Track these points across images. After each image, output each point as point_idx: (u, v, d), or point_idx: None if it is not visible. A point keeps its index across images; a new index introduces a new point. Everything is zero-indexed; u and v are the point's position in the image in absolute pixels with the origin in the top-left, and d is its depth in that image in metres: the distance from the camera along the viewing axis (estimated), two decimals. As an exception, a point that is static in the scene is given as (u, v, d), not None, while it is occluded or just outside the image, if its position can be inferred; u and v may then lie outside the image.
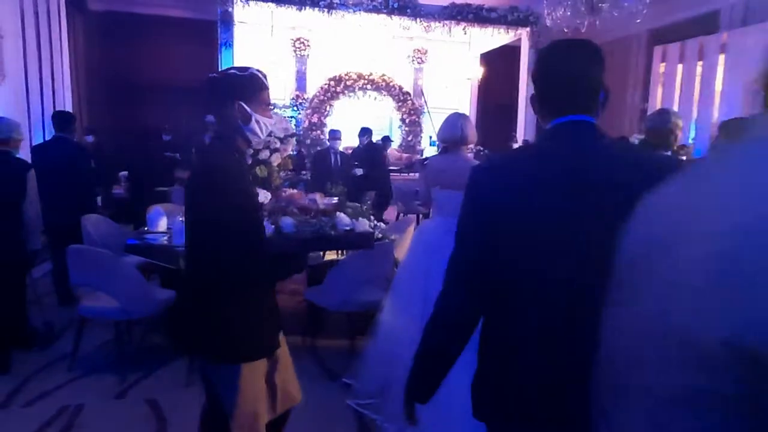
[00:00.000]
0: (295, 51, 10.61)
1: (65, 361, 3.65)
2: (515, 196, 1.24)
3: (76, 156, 4.70)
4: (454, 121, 3.20)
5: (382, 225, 4.29)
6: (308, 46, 10.60)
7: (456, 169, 3.10)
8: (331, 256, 4.99)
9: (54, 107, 8.64)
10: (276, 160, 4.22)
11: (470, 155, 7.00)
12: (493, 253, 1.25)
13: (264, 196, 4.07)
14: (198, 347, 1.89)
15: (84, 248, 3.45)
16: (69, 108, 8.99)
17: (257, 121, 1.85)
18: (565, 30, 7.97)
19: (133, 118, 9.79)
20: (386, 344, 3.15)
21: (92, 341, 3.90)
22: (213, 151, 1.90)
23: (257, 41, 10.25)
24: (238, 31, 9.52)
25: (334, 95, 10.72)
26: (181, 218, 3.98)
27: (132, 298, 3.40)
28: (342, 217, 1.86)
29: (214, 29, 9.41)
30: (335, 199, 2.53)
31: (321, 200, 1.99)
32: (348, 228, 1.86)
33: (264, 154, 4.10)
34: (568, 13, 7.44)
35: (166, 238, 4.01)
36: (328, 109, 10.59)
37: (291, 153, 4.33)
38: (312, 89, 10.71)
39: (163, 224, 4.30)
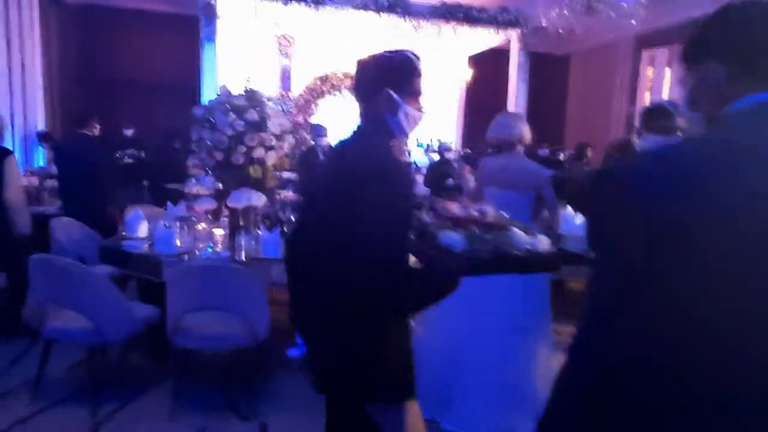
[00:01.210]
0: (279, 48, 10.02)
1: (27, 390, 3.05)
2: (709, 205, 0.80)
3: (95, 151, 4.64)
4: (510, 120, 3.09)
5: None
6: (293, 43, 10.03)
7: (514, 169, 3.01)
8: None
9: (24, 102, 7.97)
10: (271, 159, 3.69)
11: (455, 156, 6.52)
12: (671, 281, 0.83)
13: (258, 199, 3.55)
14: (354, 385, 1.52)
15: (48, 258, 2.87)
16: (41, 104, 8.32)
17: (406, 114, 1.50)
18: (560, 31, 7.61)
19: (110, 115, 9.08)
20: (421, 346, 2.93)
21: (60, 364, 3.31)
22: (362, 148, 1.51)
23: (241, 37, 9.63)
24: (220, 26, 8.92)
25: (320, 94, 10.17)
26: (166, 223, 3.43)
27: (106, 317, 2.83)
28: (517, 232, 1.39)
29: (196, 24, 8.79)
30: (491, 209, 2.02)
31: (491, 211, 1.51)
32: (529, 246, 1.38)
33: (258, 153, 3.58)
34: (566, 13, 7.07)
35: (147, 245, 3.46)
36: (313, 108, 10.04)
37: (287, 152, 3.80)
38: (296, 88, 10.14)
39: (143, 229, 3.74)
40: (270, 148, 3.60)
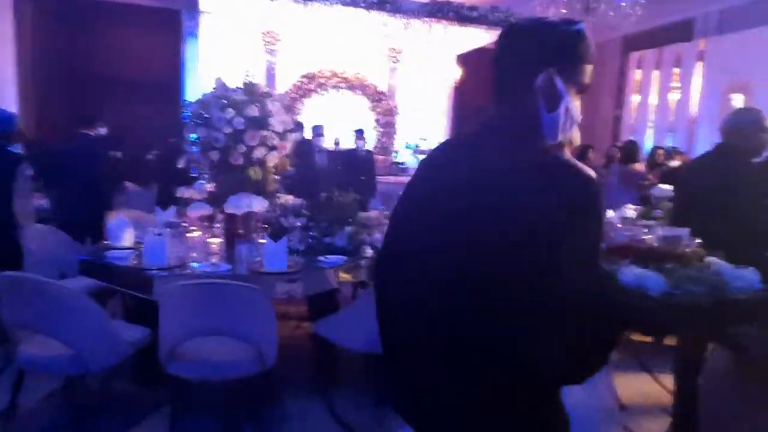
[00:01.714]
0: (264, 45, 9.54)
1: (-4, 425, 2.61)
2: None
3: (96, 152, 4.52)
4: None
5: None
6: (279, 40, 9.56)
7: None
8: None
9: (-6, 98, 7.37)
10: (272, 159, 3.29)
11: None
12: None
13: (260, 204, 3.15)
14: None
15: (16, 276, 2.41)
16: (13, 102, 7.71)
17: (567, 110, 1.02)
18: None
19: (88, 113, 8.49)
20: None
21: (35, 391, 2.85)
22: (544, 158, 1.01)
23: (225, 33, 9.13)
24: (203, 21, 8.44)
25: (306, 93, 9.73)
26: (156, 232, 3.00)
27: (88, 344, 2.38)
28: (722, 264, 1.00)
29: (178, 18, 8.30)
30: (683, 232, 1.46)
31: (685, 235, 1.10)
32: (744, 284, 0.99)
33: (259, 153, 3.16)
34: (564, 12, 6.79)
35: (134, 256, 3.01)
36: (299, 107, 9.59)
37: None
38: (282, 86, 9.67)
39: (128, 238, 3.29)
40: (272, 147, 3.19)
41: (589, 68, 1.05)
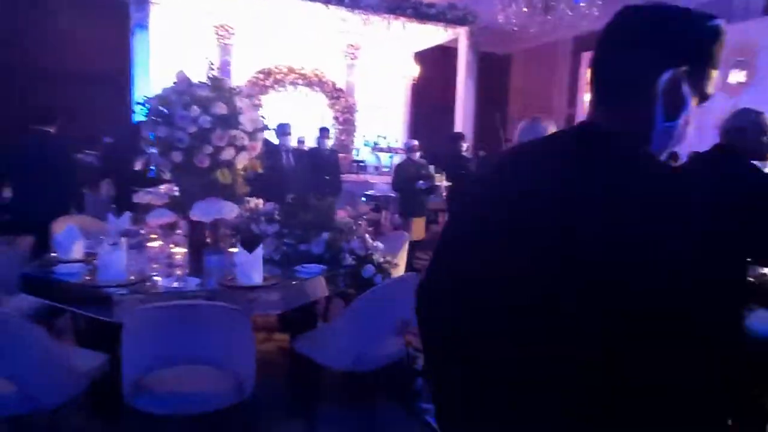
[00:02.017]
0: (218, 39, 9.04)
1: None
2: None
3: (59, 150, 4.18)
4: (537, 126, 2.59)
5: (379, 245, 3.19)
6: (233, 34, 9.08)
7: None
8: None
9: None
10: (242, 161, 2.95)
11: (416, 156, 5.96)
12: None
13: (230, 210, 2.82)
14: None
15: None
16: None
17: (686, 123, 0.82)
18: (515, 29, 7.25)
19: (29, 109, 7.76)
20: None
21: (-30, 430, 2.44)
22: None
23: (176, 26, 8.59)
24: (154, 12, 7.88)
25: (263, 89, 9.29)
26: (111, 242, 2.62)
27: (37, 379, 2.02)
28: None
29: (126, 9, 7.70)
30: None
31: None
32: None
33: (228, 153, 2.83)
34: (525, 10, 6.69)
35: (87, 271, 2.63)
36: (256, 104, 9.14)
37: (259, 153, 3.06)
38: (236, 82, 9.20)
39: (78, 250, 2.89)
40: (241, 148, 2.86)
41: (716, 75, 0.83)
